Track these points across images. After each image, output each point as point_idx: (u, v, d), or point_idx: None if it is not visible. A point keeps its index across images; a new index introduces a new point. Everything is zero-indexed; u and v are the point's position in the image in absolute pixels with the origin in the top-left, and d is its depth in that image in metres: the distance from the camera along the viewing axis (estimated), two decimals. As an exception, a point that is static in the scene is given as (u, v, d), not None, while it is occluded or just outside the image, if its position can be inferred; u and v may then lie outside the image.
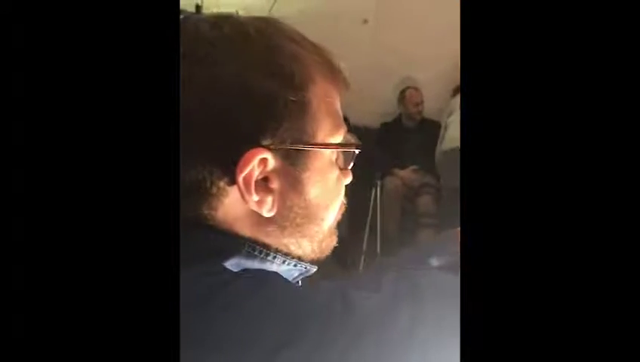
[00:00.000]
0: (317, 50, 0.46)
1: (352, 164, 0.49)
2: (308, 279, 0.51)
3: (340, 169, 0.48)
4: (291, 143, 0.42)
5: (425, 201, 2.89)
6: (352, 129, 3.20)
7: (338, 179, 0.48)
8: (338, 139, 0.46)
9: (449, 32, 3.21)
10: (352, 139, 0.48)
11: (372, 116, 3.36)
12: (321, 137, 0.45)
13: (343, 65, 0.47)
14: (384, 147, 3.09)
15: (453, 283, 0.42)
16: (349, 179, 0.50)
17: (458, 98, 2.66)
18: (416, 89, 3.17)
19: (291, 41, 0.44)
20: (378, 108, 3.36)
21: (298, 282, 0.50)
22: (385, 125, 3.27)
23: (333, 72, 0.46)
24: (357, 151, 0.49)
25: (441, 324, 0.40)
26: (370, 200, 2.90)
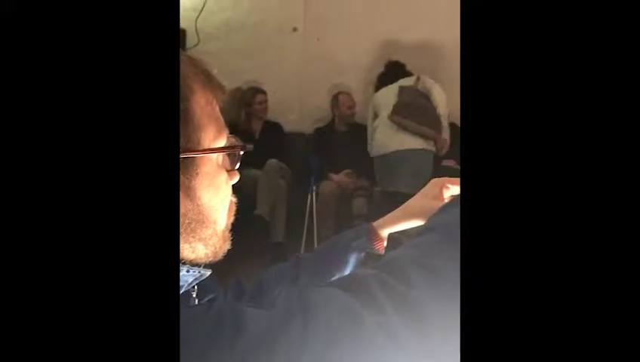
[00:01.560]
0: (190, 60, 0.48)
1: (238, 165, 0.52)
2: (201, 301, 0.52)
3: (227, 171, 0.51)
4: (180, 152, 0.44)
5: (359, 203, 2.96)
6: (285, 136, 3.21)
7: (226, 181, 0.51)
8: (222, 142, 0.49)
9: (376, 38, 3.32)
10: (236, 141, 0.52)
11: (305, 122, 3.38)
12: (206, 143, 0.47)
13: (215, 71, 0.50)
14: (318, 152, 3.12)
15: (343, 300, 0.41)
16: (235, 180, 0.52)
17: (377, 98, 2.86)
18: (347, 93, 3.27)
19: None
20: (310, 114, 3.39)
21: (194, 288, 0.51)
22: (318, 130, 3.30)
23: (209, 80, 0.49)
24: (242, 153, 0.51)
25: (335, 340, 0.38)
26: (306, 205, 2.92)
